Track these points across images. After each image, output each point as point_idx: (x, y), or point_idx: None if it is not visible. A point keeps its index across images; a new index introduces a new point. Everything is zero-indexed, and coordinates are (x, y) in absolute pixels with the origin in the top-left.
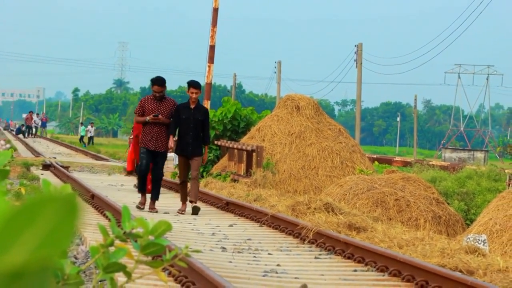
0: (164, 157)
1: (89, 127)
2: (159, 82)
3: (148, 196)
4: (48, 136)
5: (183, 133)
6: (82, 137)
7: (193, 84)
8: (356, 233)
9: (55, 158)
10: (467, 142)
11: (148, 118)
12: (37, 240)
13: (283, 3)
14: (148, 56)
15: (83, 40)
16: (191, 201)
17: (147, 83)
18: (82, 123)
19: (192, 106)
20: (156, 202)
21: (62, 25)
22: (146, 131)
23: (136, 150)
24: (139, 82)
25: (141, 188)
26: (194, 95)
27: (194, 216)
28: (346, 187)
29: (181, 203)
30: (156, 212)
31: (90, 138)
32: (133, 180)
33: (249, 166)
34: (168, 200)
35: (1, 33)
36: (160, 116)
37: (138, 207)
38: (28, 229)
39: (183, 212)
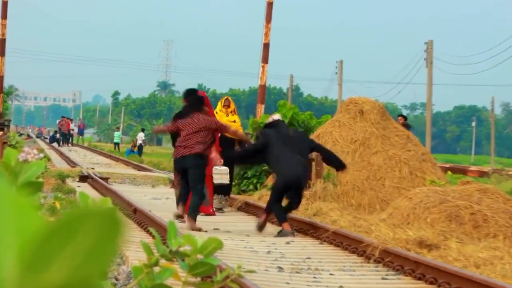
0: None
1: (140, 134)
2: None
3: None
4: (85, 144)
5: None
6: (117, 145)
7: None
8: (428, 251)
9: (93, 168)
10: None
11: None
12: (75, 260)
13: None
14: (196, 56)
15: (124, 39)
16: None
17: (194, 86)
18: (118, 128)
19: None
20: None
21: (99, 23)
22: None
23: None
24: (185, 84)
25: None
26: None
27: (247, 233)
28: (416, 199)
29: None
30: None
31: (140, 147)
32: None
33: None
34: (221, 216)
35: (33, 32)
36: None
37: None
38: (65, 248)
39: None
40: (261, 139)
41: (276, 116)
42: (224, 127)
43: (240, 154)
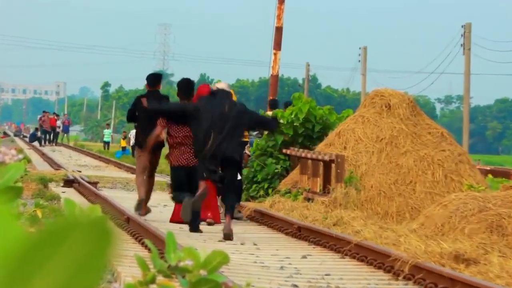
0: None
1: (134, 131)
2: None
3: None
4: (71, 143)
5: None
6: (107, 144)
7: None
8: (465, 266)
9: (79, 171)
10: None
11: None
12: (60, 276)
13: None
14: (197, 42)
15: (115, 22)
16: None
17: (196, 76)
18: (108, 125)
19: None
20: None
21: (86, 3)
22: None
23: None
24: (185, 74)
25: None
26: None
27: (257, 246)
28: (452, 207)
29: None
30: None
31: (133, 147)
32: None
33: (326, 181)
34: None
35: (10, 15)
36: None
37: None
38: (48, 263)
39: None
40: (194, 104)
41: (221, 85)
42: None
43: (169, 109)
